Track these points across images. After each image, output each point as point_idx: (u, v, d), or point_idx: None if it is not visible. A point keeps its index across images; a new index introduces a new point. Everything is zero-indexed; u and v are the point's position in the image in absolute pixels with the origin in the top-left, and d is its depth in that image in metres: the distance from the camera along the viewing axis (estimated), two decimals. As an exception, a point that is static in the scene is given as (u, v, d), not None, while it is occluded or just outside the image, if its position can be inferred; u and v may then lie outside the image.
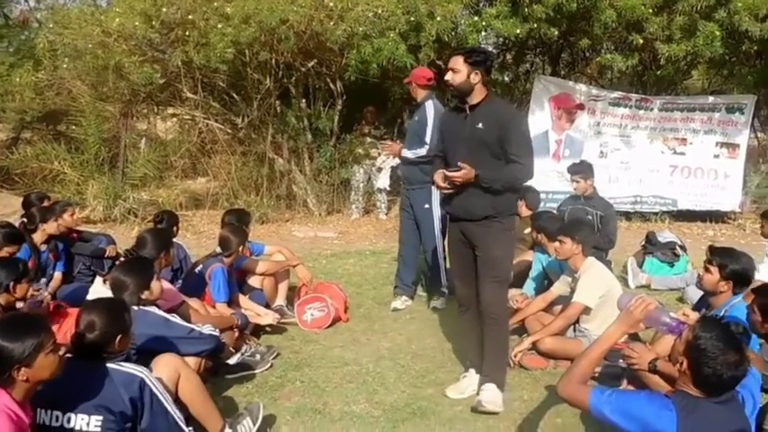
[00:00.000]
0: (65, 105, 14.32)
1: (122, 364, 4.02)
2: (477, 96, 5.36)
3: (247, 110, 13.45)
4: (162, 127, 16.39)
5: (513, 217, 5.60)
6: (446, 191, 5.43)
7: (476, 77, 5.31)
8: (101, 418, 3.85)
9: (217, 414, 4.71)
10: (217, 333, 5.41)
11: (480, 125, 5.30)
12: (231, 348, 6.08)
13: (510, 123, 5.32)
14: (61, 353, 3.61)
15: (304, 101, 13.68)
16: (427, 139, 7.65)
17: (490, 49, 14.71)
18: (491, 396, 5.40)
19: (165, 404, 4.07)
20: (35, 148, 14.22)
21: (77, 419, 3.84)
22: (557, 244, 6.69)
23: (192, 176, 15.83)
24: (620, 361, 5.56)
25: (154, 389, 4.02)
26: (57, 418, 3.85)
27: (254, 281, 7.51)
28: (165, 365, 4.47)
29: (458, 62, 5.33)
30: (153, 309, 4.99)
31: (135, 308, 4.77)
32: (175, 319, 5.16)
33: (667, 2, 12.42)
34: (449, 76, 5.38)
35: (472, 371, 5.75)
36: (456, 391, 5.67)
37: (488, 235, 5.38)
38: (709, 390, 3.40)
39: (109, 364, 3.97)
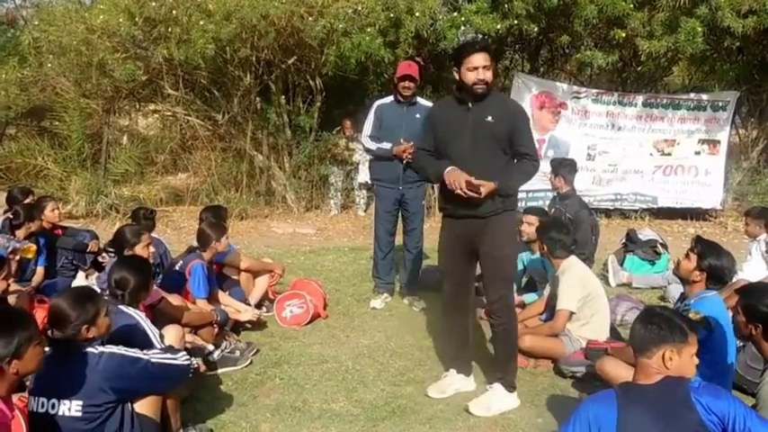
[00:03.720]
0: (49, 102, 14.31)
1: (97, 347, 4.05)
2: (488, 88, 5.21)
3: (228, 106, 13.48)
4: (143, 123, 16.38)
5: (515, 212, 5.50)
6: (468, 195, 5.02)
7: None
8: (81, 402, 3.91)
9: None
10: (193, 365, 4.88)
11: (490, 118, 5.12)
12: (211, 345, 6.11)
13: (520, 116, 5.25)
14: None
15: (284, 97, 13.69)
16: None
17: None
18: (487, 399, 5.41)
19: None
20: (19, 143, 14.27)
21: (61, 406, 3.91)
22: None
23: (173, 172, 15.82)
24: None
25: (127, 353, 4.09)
26: (42, 404, 3.93)
27: (232, 272, 7.56)
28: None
29: (488, 58, 5.13)
30: (147, 328, 4.73)
31: (125, 308, 4.74)
32: (158, 353, 4.55)
33: (649, -2, 12.44)
34: (482, 75, 5.07)
35: (453, 371, 5.75)
36: (437, 390, 5.66)
37: (496, 232, 5.25)
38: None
39: (88, 349, 4.01)
